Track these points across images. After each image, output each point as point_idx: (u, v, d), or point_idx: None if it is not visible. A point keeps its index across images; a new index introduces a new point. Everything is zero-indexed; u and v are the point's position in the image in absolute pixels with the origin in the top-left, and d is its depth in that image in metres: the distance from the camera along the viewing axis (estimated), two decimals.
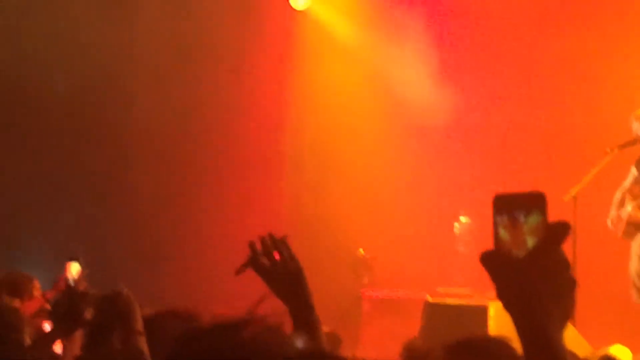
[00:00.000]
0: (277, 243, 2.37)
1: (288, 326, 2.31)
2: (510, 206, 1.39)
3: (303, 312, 2.35)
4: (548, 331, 1.30)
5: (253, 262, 2.38)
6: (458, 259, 7.92)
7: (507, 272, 1.36)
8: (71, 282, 6.00)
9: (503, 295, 1.37)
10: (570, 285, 1.33)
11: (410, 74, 9.02)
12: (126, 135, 9.35)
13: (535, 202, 1.38)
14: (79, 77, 9.14)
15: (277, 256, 2.40)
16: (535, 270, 1.30)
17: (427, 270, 8.31)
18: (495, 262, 1.37)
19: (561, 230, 1.33)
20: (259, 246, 2.37)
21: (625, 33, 8.44)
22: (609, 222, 7.11)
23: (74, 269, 6.53)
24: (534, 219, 1.36)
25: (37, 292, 6.26)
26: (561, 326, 1.30)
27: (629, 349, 6.66)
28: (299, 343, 1.47)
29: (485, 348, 2.21)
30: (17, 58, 9.09)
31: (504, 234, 1.38)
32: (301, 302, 2.36)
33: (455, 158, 8.68)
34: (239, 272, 2.40)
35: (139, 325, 4.40)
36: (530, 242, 1.35)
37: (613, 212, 6.99)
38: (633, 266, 6.87)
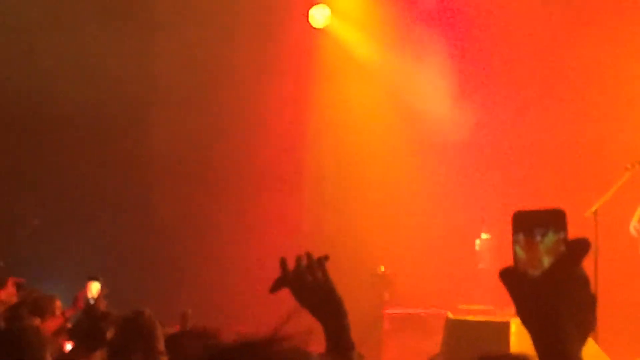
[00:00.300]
0: (314, 262, 2.35)
1: (320, 346, 2.35)
2: (529, 224, 1.39)
3: (337, 333, 2.35)
4: (566, 348, 1.29)
5: (285, 279, 2.36)
6: (479, 276, 7.86)
7: (525, 290, 1.35)
8: (91, 301, 6.24)
9: (521, 312, 1.37)
10: (590, 301, 1.32)
11: (430, 90, 9.01)
12: (147, 154, 9.49)
13: (554, 219, 1.37)
14: (101, 100, 9.32)
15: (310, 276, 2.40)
16: (552, 288, 1.29)
17: (448, 286, 8.27)
18: (513, 279, 1.36)
19: (580, 247, 1.31)
20: (290, 264, 2.34)
21: None
22: (631, 229, 7.08)
23: (94, 289, 6.57)
24: (550, 238, 1.35)
25: (58, 311, 6.24)
26: (580, 343, 1.30)
27: None
28: None
29: None
30: (39, 82, 9.29)
31: (520, 252, 1.38)
32: (337, 323, 2.36)
33: (476, 174, 8.62)
34: (273, 289, 2.37)
35: (161, 345, 4.62)
36: (546, 261, 1.34)
37: (635, 221, 6.95)
38: None
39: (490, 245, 7.64)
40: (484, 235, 7.58)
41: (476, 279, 8.01)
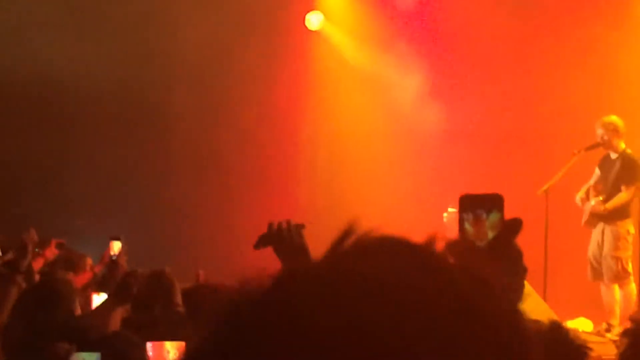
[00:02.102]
0: (293, 227, 2.57)
1: None
2: (475, 205, 1.56)
3: None
4: None
5: (268, 238, 2.57)
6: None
7: (471, 257, 1.66)
8: (113, 257, 6.58)
9: None
10: (521, 271, 1.47)
11: (411, 89, 9.85)
12: (168, 136, 10.43)
13: (495, 202, 1.54)
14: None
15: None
16: (493, 256, 1.44)
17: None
18: (462, 248, 1.54)
19: (515, 225, 1.47)
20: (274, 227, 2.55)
21: (590, 59, 9.31)
22: (577, 200, 7.75)
23: (115, 247, 7.01)
24: (494, 217, 1.50)
25: (88, 267, 6.88)
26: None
27: (590, 320, 7.62)
28: None
29: None
30: (67, 62, 9.91)
31: (469, 227, 1.54)
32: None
33: (446, 158, 9.52)
34: (257, 245, 2.60)
35: (178, 298, 5.11)
36: (490, 235, 1.49)
37: (581, 193, 7.69)
38: (591, 250, 7.61)
39: (455, 217, 8.26)
40: (450, 209, 8.41)
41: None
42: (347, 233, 0.61)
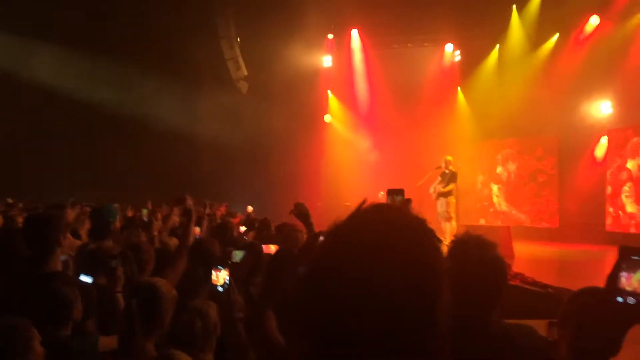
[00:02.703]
0: (300, 205, 4.16)
1: None
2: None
3: (309, 227, 4.16)
4: None
5: (293, 209, 4.13)
6: None
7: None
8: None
9: None
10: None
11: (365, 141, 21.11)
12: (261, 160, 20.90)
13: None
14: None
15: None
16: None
17: None
18: (299, 212, 4.13)
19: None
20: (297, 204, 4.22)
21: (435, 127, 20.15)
22: (431, 190, 15.97)
23: (249, 209, 15.33)
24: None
25: (237, 216, 14.64)
26: None
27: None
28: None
29: None
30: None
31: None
32: (308, 222, 4.16)
33: (377, 165, 20.43)
34: (291, 212, 4.17)
35: (233, 234, 7.07)
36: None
37: (432, 187, 16.08)
38: (437, 209, 15.93)
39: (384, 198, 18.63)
40: (380, 193, 18.16)
41: None
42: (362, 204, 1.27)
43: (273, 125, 20.28)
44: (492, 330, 2.70)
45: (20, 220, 8.59)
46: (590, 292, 3.10)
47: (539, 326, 5.33)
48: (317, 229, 3.78)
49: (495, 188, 21.79)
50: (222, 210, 12.85)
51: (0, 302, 3.62)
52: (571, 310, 3.05)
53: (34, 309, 3.42)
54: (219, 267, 3.45)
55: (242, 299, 3.92)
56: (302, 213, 4.18)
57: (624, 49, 17.46)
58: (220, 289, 3.41)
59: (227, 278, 3.42)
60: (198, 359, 3.45)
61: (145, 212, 8.51)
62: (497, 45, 21.04)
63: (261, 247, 4.55)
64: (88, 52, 18.88)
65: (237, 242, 6.56)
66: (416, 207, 13.45)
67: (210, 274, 4.14)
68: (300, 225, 4.31)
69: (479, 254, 2.74)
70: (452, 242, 2.89)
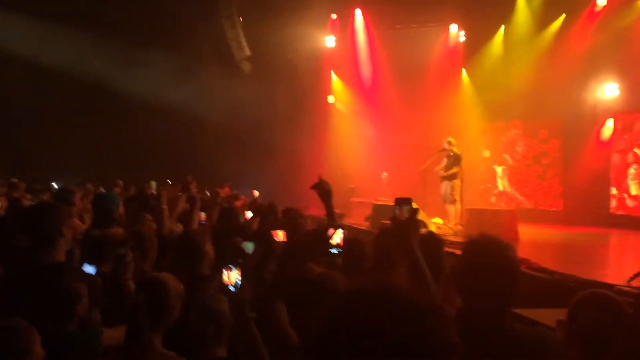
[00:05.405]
0: (322, 180, 4.31)
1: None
2: (399, 202, 2.82)
3: (329, 206, 4.20)
4: None
5: (315, 185, 4.22)
6: (384, 188, 18.77)
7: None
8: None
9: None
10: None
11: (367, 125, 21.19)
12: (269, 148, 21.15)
13: (408, 201, 2.81)
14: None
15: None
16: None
17: (374, 190, 19.06)
18: (321, 189, 4.14)
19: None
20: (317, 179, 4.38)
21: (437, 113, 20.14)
22: (437, 169, 16.07)
23: (256, 194, 12.16)
24: (407, 208, 2.82)
25: (241, 198, 15.25)
26: None
27: (440, 218, 16.68)
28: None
29: None
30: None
31: (397, 212, 2.83)
32: (328, 203, 4.25)
33: (381, 146, 20.54)
34: (312, 187, 4.24)
35: (240, 221, 7.30)
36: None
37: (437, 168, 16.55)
38: (442, 191, 15.96)
39: (387, 178, 19.05)
40: (383, 174, 18.89)
41: (382, 189, 18.73)
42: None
43: (276, 105, 20.65)
44: (505, 334, 2.63)
45: (25, 203, 8.51)
46: (599, 305, 2.99)
47: (548, 315, 5.45)
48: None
49: (499, 170, 21.77)
50: (225, 190, 12.44)
51: (3, 295, 3.54)
52: (579, 329, 2.96)
53: (38, 302, 3.35)
54: (230, 266, 3.26)
55: (253, 292, 3.79)
56: (324, 191, 4.14)
57: (631, 31, 17.42)
58: (232, 288, 3.23)
59: (239, 277, 3.24)
60: (212, 354, 3.43)
61: (153, 184, 8.34)
62: (503, 26, 20.96)
63: (270, 236, 4.42)
64: (90, 32, 18.85)
65: (245, 231, 6.50)
66: (420, 190, 14.11)
67: (201, 265, 4.16)
68: (308, 208, 4.41)
69: (493, 254, 2.67)
70: (466, 242, 2.84)
